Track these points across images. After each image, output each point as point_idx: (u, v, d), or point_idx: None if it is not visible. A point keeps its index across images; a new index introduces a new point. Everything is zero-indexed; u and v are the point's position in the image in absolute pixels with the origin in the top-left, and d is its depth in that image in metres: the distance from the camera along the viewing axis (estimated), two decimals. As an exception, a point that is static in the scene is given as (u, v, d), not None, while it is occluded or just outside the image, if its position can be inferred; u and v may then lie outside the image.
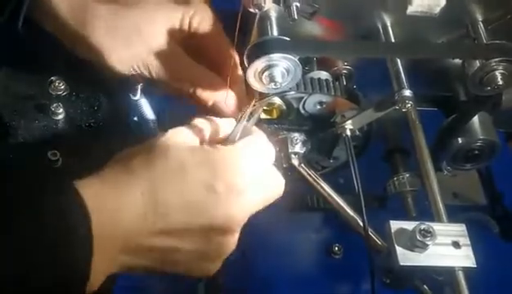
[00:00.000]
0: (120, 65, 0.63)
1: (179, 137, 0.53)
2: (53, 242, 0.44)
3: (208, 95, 0.64)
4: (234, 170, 0.51)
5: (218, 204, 0.50)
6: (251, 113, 0.57)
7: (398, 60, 0.66)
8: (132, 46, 0.62)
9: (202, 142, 0.55)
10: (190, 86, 0.64)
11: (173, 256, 0.51)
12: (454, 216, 0.65)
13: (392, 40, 0.66)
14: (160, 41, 0.62)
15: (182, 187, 0.49)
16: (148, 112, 0.72)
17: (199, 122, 0.56)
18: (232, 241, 0.53)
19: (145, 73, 0.64)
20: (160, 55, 0.62)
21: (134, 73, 0.64)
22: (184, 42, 0.64)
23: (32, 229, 0.43)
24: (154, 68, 0.63)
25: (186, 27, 0.64)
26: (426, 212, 0.65)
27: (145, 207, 0.48)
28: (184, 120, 0.63)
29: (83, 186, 0.47)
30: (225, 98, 0.64)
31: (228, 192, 0.50)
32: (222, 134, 0.57)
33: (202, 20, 0.64)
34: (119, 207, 0.47)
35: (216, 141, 0.56)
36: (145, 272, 0.52)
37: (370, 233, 0.65)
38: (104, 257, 0.46)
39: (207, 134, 0.56)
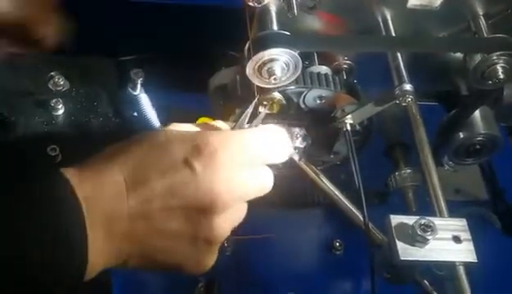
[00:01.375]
0: None
1: (175, 126, 0.54)
2: (48, 230, 0.44)
3: None
4: (214, 147, 0.50)
5: (197, 181, 0.49)
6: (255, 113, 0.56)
7: (399, 55, 0.65)
8: None
9: None
10: None
11: (160, 242, 0.50)
12: (456, 211, 0.65)
13: (393, 34, 0.66)
14: None
15: (162, 166, 0.49)
16: (148, 107, 0.72)
17: (199, 124, 0.57)
18: (220, 223, 0.51)
19: None
20: None
21: None
22: None
23: (27, 219, 0.44)
24: None
25: None
26: (427, 208, 0.65)
27: (126, 189, 0.48)
28: (186, 116, 0.63)
29: (65, 170, 0.47)
30: None
31: (206, 171, 0.49)
32: None
33: None
34: (101, 193, 0.47)
35: None
36: (140, 266, 0.51)
37: (371, 228, 0.64)
38: (95, 244, 0.46)
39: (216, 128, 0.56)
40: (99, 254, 0.47)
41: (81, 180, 0.47)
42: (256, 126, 0.57)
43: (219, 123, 0.58)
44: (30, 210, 0.44)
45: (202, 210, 0.50)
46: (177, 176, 0.49)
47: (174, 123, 0.55)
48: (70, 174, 0.47)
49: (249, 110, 0.56)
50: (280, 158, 0.56)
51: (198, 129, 0.55)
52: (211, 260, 0.53)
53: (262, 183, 0.54)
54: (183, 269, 0.53)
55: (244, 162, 0.52)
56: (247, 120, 0.56)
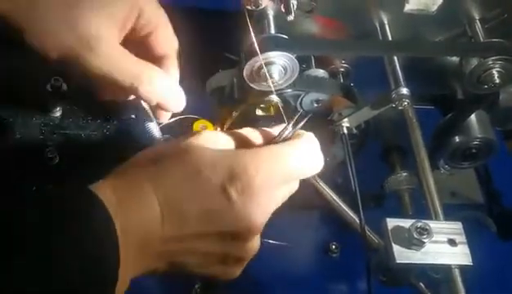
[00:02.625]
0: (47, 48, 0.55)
1: (209, 139, 0.52)
2: (81, 251, 0.43)
3: (151, 93, 0.59)
4: (251, 173, 0.49)
5: (234, 210, 0.48)
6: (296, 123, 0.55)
7: (395, 58, 0.66)
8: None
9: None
10: (130, 84, 0.57)
11: (189, 259, 0.50)
12: (451, 214, 0.65)
13: (390, 38, 0.66)
14: (100, 33, 0.55)
15: (198, 193, 0.48)
16: (146, 110, 0.72)
17: (244, 130, 0.55)
18: (253, 244, 0.52)
19: (76, 65, 0.56)
20: (97, 48, 0.55)
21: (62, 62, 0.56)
22: (126, 38, 0.59)
23: (59, 241, 0.43)
24: (88, 61, 0.55)
25: (131, 24, 0.58)
26: (423, 211, 0.65)
27: (161, 215, 0.47)
28: (186, 118, 0.63)
29: (99, 190, 0.46)
30: (169, 96, 0.61)
31: (243, 198, 0.48)
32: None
33: (149, 18, 0.59)
34: (136, 214, 0.46)
35: None
36: (168, 272, 0.51)
37: (367, 231, 0.65)
38: (127, 263, 0.45)
39: (246, 142, 0.54)
40: (129, 271, 0.46)
41: (118, 209, 0.45)
42: (294, 133, 0.55)
43: (251, 133, 0.55)
44: (66, 232, 0.43)
45: (237, 236, 0.50)
46: (213, 204, 0.48)
47: (206, 131, 0.53)
48: (107, 198, 0.45)
49: (289, 127, 0.54)
50: (316, 171, 0.55)
51: (231, 140, 0.53)
52: (239, 271, 0.54)
53: (292, 191, 0.55)
54: (210, 278, 0.53)
55: (282, 181, 0.52)
56: (286, 132, 0.54)
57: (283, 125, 0.56)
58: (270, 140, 0.55)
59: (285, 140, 0.55)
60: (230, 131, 0.54)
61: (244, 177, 0.48)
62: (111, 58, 0.56)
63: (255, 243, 0.52)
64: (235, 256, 0.52)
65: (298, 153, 0.53)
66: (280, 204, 0.53)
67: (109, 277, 0.44)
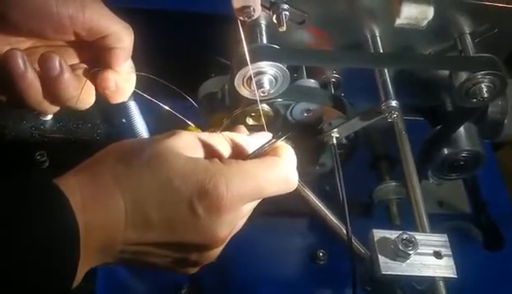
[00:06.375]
0: None
1: (185, 143, 0.50)
2: (42, 243, 0.43)
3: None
4: (221, 192, 0.47)
5: (198, 224, 0.48)
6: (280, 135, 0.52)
7: (386, 70, 0.66)
8: None
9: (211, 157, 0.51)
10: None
11: (147, 259, 0.51)
12: (439, 224, 0.66)
13: (381, 50, 0.67)
14: None
15: (165, 203, 0.48)
16: (136, 115, 0.72)
17: (216, 136, 0.53)
18: (213, 254, 0.52)
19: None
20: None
21: None
22: None
23: (20, 231, 0.43)
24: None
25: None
26: (412, 222, 0.66)
27: (125, 218, 0.47)
28: (176, 123, 0.63)
29: (65, 186, 0.46)
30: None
31: (210, 214, 0.48)
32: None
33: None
34: (100, 216, 0.46)
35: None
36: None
37: (354, 241, 0.65)
38: (85, 261, 0.46)
39: (223, 151, 0.52)
40: (86, 267, 0.47)
41: (82, 208, 0.45)
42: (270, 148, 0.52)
43: (231, 137, 0.53)
44: (27, 227, 0.43)
45: (199, 247, 0.50)
46: (179, 216, 0.48)
47: (183, 133, 0.51)
48: (72, 195, 0.45)
49: (266, 144, 0.52)
50: (288, 191, 0.53)
51: (208, 145, 0.51)
52: (195, 270, 0.54)
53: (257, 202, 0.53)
54: (163, 270, 0.53)
55: (252, 199, 0.51)
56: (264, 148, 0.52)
57: (263, 133, 0.55)
58: (247, 150, 0.53)
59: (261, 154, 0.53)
60: (209, 133, 0.52)
61: (214, 195, 0.47)
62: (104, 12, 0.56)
63: (214, 254, 0.52)
64: (194, 261, 0.52)
65: (272, 175, 0.51)
66: (247, 216, 0.53)
67: (67, 274, 0.44)
